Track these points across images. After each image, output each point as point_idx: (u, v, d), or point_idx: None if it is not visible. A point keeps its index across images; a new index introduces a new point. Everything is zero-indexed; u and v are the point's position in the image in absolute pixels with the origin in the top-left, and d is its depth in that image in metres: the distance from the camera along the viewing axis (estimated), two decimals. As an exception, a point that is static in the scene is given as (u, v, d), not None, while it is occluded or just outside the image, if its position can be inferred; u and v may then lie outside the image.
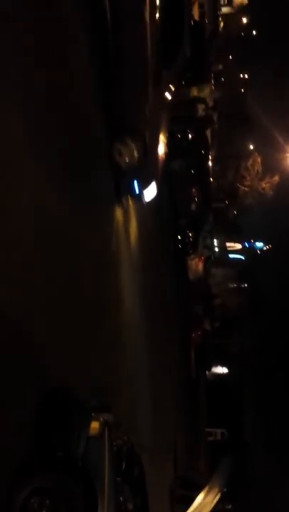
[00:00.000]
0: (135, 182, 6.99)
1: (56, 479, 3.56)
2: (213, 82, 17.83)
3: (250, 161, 24.08)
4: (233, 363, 27.85)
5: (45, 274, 4.72)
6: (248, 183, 24.40)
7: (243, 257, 31.03)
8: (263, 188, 24.87)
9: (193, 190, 13.19)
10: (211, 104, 14.85)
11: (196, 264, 15.87)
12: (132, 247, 8.49)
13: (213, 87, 15.91)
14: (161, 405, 11.23)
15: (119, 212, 7.65)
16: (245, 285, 28.87)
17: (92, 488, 3.50)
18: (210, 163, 13.56)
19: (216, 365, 25.88)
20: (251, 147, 26.35)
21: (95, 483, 3.55)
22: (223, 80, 23.57)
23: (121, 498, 3.97)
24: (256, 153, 24.77)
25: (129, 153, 6.43)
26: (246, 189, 24.58)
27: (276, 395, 24.88)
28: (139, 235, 8.77)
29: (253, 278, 28.87)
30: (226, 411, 21.63)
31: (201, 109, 12.38)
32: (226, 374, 27.94)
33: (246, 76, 29.79)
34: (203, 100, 12.55)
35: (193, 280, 16.38)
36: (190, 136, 11.74)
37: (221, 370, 27.52)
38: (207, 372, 23.04)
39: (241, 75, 29.27)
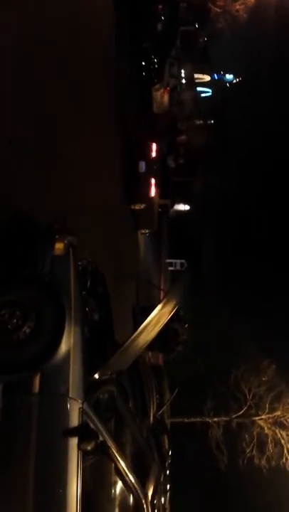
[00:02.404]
0: None
1: (24, 292, 3.76)
2: None
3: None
4: (196, 201, 28.58)
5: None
6: (220, 3, 21.91)
7: (210, 91, 29.48)
8: (237, 10, 22.49)
9: (160, 7, 11.65)
10: None
11: (162, 96, 14.97)
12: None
13: None
14: (125, 236, 11.72)
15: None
16: (212, 121, 28.02)
17: (59, 299, 3.73)
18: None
19: (179, 202, 26.48)
20: None
21: (62, 296, 3.78)
22: None
23: (87, 309, 4.29)
24: None
25: None
26: (218, 10, 22.17)
27: (234, 231, 26.26)
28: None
29: (221, 114, 27.92)
30: (186, 245, 22.89)
31: None
32: (188, 211, 28.85)
33: None
34: None
35: (158, 113, 15.63)
36: None
37: (184, 207, 28.31)
38: (170, 209, 23.62)
39: None
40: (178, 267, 20.31)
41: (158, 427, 7.45)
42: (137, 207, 11.70)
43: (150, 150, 11.54)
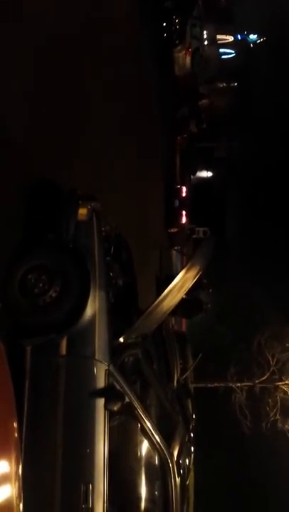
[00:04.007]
0: None
1: (50, 257, 3.79)
2: None
3: None
4: (219, 168, 28.03)
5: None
6: None
7: (234, 52, 28.44)
8: None
9: None
10: None
11: (183, 58, 14.52)
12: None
13: None
14: (145, 210, 11.69)
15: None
16: (236, 84, 27.16)
17: (83, 264, 3.75)
18: None
19: (201, 169, 26.05)
20: None
21: (86, 260, 3.80)
22: None
23: (111, 274, 4.32)
24: None
25: None
26: None
27: (258, 199, 25.77)
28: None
29: (245, 76, 26.99)
30: (209, 212, 22.61)
31: None
32: (211, 178, 28.35)
33: None
34: None
35: (179, 76, 15.20)
36: None
37: (206, 174, 27.83)
38: (192, 176, 23.34)
39: None
40: (201, 235, 20.14)
41: (182, 391, 7.56)
42: (172, 230, 16.39)
43: (182, 192, 16.69)
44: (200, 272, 4.67)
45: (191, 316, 14.01)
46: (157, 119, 13.50)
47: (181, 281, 4.40)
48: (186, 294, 5.04)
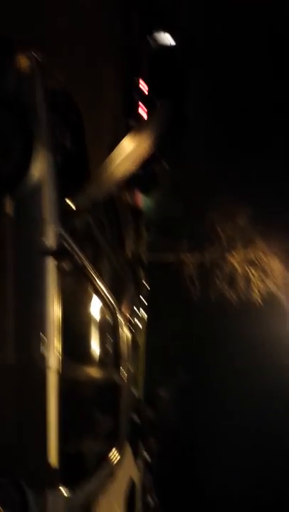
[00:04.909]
0: None
1: None
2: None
3: None
4: (181, 33, 25.75)
5: None
6: None
7: None
8: None
9: None
10: None
11: None
12: None
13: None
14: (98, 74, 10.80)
15: None
16: None
17: (26, 120, 3.50)
18: None
19: (160, 30, 23.86)
20: None
21: (29, 116, 3.53)
22: None
23: (58, 134, 4.07)
24: None
25: None
26: None
27: (224, 71, 24.24)
28: None
29: None
30: (168, 83, 21.34)
31: None
32: (174, 46, 26.19)
33: None
34: None
35: None
36: None
37: (168, 40, 25.61)
38: (150, 40, 21.55)
39: None
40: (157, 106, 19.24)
41: (134, 261, 7.83)
42: (130, 122, 15.30)
43: (141, 86, 15.79)
44: (153, 139, 4.50)
45: (145, 191, 14.05)
46: None
47: (133, 146, 4.21)
48: (141, 168, 4.90)
